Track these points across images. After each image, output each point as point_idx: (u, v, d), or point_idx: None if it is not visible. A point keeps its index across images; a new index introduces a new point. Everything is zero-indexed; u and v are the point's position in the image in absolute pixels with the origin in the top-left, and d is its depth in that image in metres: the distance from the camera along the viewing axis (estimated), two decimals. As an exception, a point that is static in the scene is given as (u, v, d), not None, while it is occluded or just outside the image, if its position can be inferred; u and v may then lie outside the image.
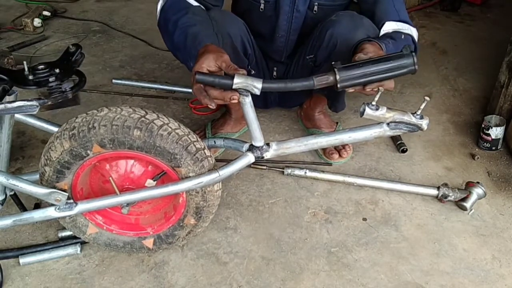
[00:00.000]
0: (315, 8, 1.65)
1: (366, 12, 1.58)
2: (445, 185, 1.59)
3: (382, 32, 1.51)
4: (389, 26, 1.52)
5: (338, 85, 1.15)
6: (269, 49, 1.77)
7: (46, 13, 2.84)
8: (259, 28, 1.70)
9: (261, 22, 1.66)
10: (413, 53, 1.16)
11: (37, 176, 1.28)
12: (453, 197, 1.57)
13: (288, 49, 1.76)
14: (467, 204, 1.55)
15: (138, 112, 1.16)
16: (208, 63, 1.21)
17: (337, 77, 1.14)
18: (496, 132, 1.80)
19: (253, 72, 1.71)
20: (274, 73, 1.83)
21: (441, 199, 1.59)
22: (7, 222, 1.22)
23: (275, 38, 1.72)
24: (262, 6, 1.66)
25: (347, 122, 1.99)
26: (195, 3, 1.52)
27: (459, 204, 1.57)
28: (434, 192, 1.59)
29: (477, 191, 1.56)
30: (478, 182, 1.58)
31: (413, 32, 1.55)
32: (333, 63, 1.16)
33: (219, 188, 1.30)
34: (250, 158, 1.27)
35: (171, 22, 1.47)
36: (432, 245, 1.46)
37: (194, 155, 1.19)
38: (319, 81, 1.15)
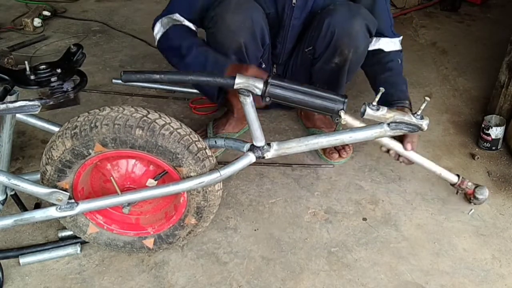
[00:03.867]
0: None
1: None
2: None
3: (377, 45, 1.62)
4: (386, 45, 1.63)
5: (266, 92, 1.18)
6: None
7: (46, 13, 2.84)
8: None
9: None
10: (343, 109, 1.20)
11: (37, 176, 1.28)
12: (469, 186, 1.54)
13: (284, 56, 1.78)
14: (482, 196, 1.53)
15: (140, 111, 1.16)
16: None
17: (268, 86, 1.18)
18: (496, 132, 1.81)
19: (263, 65, 1.72)
20: (274, 70, 1.84)
21: (457, 188, 1.55)
22: (8, 222, 1.22)
23: (274, 43, 1.74)
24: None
25: (347, 122, 1.99)
26: (187, 23, 1.62)
27: (473, 194, 1.54)
28: (454, 178, 1.54)
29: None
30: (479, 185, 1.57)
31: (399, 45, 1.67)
32: (271, 75, 1.22)
33: (220, 188, 1.30)
34: (251, 158, 1.27)
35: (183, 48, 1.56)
36: (432, 245, 1.47)
37: (196, 154, 1.19)
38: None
